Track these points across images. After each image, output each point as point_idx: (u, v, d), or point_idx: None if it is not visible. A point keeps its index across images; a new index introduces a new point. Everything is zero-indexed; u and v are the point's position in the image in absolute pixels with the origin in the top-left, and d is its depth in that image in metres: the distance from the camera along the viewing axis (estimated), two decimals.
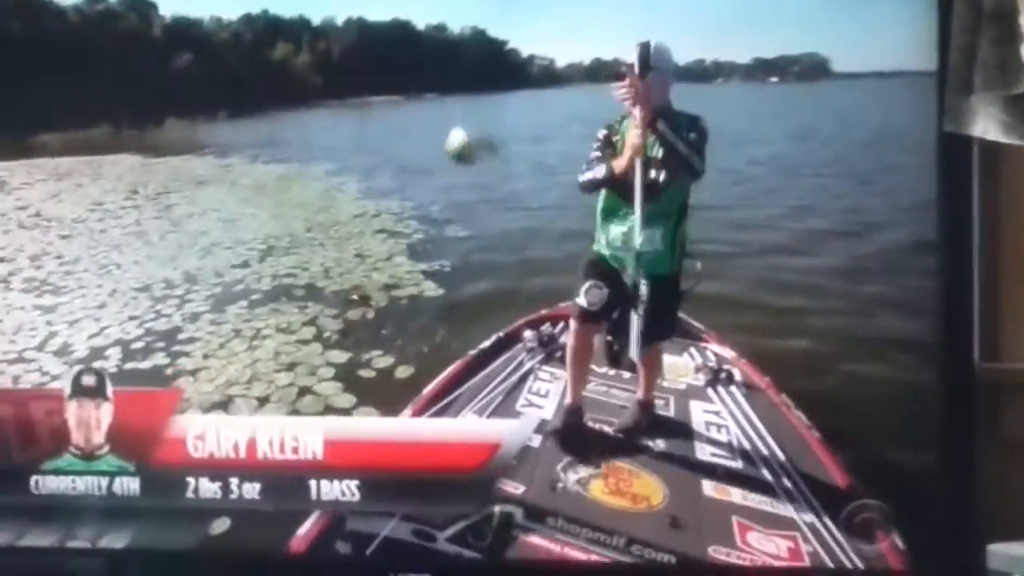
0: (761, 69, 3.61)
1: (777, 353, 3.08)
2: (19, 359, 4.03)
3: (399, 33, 5.01)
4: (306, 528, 2.14)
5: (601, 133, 2.51)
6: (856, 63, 3.52)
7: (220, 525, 2.49)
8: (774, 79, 3.67)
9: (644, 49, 2.27)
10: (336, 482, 2.06)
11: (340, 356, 4.10)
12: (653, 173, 2.33)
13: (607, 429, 2.53)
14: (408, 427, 2.28)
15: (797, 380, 2.77)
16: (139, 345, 4.22)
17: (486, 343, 3.29)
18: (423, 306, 5.03)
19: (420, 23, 4.99)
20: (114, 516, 2.38)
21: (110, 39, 5.54)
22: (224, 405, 3.61)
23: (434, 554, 2.07)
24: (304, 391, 3.75)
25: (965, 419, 1.97)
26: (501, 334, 3.34)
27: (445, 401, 2.73)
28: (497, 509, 2.12)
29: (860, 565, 1.87)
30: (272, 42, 5.75)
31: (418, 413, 2.66)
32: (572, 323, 2.48)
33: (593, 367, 2.85)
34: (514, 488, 2.19)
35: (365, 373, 3.79)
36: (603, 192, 2.54)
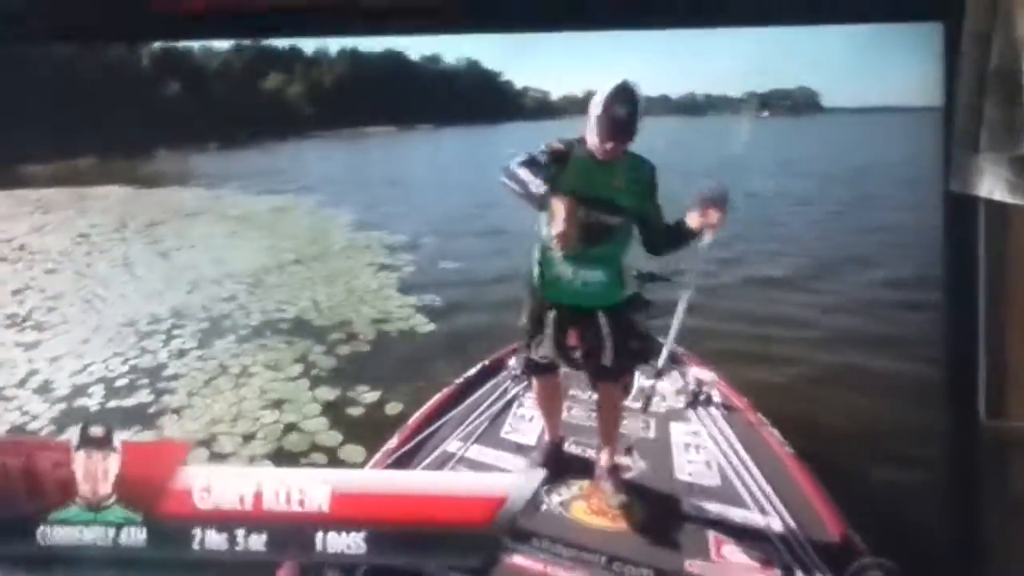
0: (755, 103, 3.58)
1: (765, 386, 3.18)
2: None
3: (392, 64, 4.98)
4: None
5: (555, 144, 2.20)
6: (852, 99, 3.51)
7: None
8: (765, 113, 3.65)
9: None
10: (343, 534, 1.98)
11: (328, 393, 3.99)
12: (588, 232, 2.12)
13: (588, 452, 2.51)
14: (415, 481, 2.20)
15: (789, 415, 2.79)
16: (123, 382, 4.10)
17: (471, 371, 3.27)
18: (413, 341, 4.97)
19: (414, 55, 4.96)
20: (120, 566, 2.29)
21: (97, 67, 5.49)
22: (208, 443, 3.49)
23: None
24: (290, 428, 3.64)
25: (969, 473, 1.94)
26: (486, 362, 3.33)
27: (431, 429, 2.72)
28: None
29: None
30: (264, 72, 5.71)
31: (404, 442, 2.64)
32: (532, 378, 2.39)
33: (575, 392, 2.88)
34: None
35: (353, 410, 3.68)
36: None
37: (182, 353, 4.53)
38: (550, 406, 2.50)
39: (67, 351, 4.49)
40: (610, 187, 2.13)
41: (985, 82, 1.78)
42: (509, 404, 2.92)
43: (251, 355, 4.47)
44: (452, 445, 2.61)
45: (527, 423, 2.78)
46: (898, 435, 2.42)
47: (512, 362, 3.12)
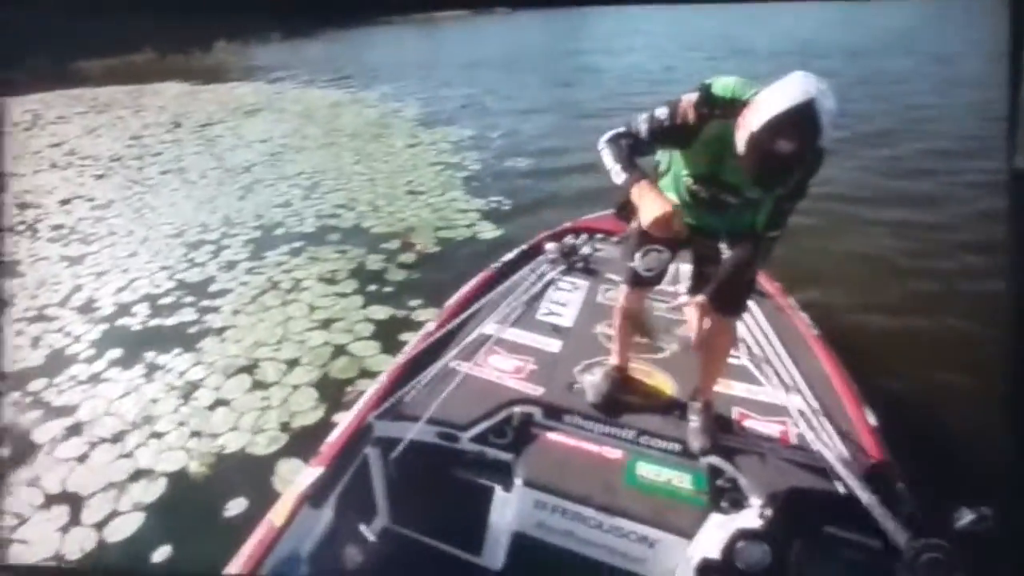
0: None
1: None
2: (39, 316, 3.74)
3: None
4: (335, 436, 2.03)
5: (684, 106, 1.57)
6: None
7: None
8: None
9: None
10: None
11: (380, 311, 3.65)
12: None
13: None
14: None
15: None
16: (168, 300, 3.86)
17: (509, 255, 3.16)
18: (477, 249, 4.52)
19: None
20: None
21: None
22: (250, 369, 3.23)
23: (458, 453, 2.11)
24: (338, 351, 3.34)
25: None
26: (525, 247, 3.24)
27: (470, 311, 2.64)
28: (517, 410, 2.16)
29: (844, 451, 1.98)
30: None
31: (443, 324, 2.55)
32: (624, 287, 2.17)
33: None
34: (533, 389, 2.23)
35: (407, 334, 3.32)
36: (669, 165, 1.88)
37: (231, 265, 4.28)
38: (629, 326, 2.27)
39: (112, 265, 4.30)
40: (740, 177, 1.54)
41: None
42: (546, 287, 2.91)
43: (304, 268, 4.17)
44: (489, 327, 2.55)
45: (563, 306, 2.79)
46: None
47: (550, 246, 3.10)
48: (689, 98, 1.56)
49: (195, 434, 2.76)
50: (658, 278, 2.08)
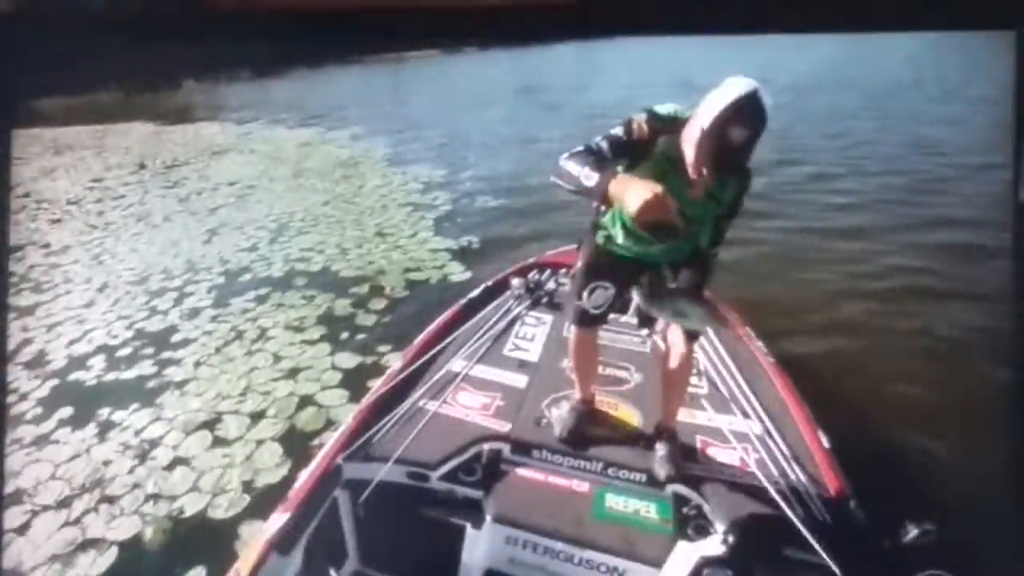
0: None
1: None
2: None
3: None
4: (302, 480, 2.03)
5: (636, 123, 1.65)
6: None
7: None
8: None
9: None
10: None
11: (349, 360, 3.53)
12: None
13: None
14: None
15: None
16: (126, 351, 3.69)
17: (475, 292, 3.19)
18: (448, 292, 4.41)
19: None
20: None
21: None
22: (211, 425, 3.07)
23: (428, 492, 2.11)
24: (305, 401, 3.20)
25: None
26: (489, 283, 3.27)
27: (436, 349, 2.66)
28: (486, 447, 2.18)
29: (800, 475, 2.05)
30: None
31: (409, 363, 2.56)
32: (574, 328, 2.21)
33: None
34: (501, 426, 2.26)
35: (374, 381, 3.19)
36: None
37: (194, 313, 4.12)
38: (587, 360, 2.31)
39: (66, 316, 4.11)
40: (684, 194, 1.59)
41: None
42: (512, 323, 2.94)
43: (270, 315, 4.03)
44: (456, 364, 2.57)
45: (529, 341, 2.82)
46: None
47: (515, 282, 3.14)
48: (639, 116, 1.67)
49: (151, 497, 2.59)
50: (605, 316, 2.11)
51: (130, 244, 5.35)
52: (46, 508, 2.55)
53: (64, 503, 2.57)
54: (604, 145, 1.63)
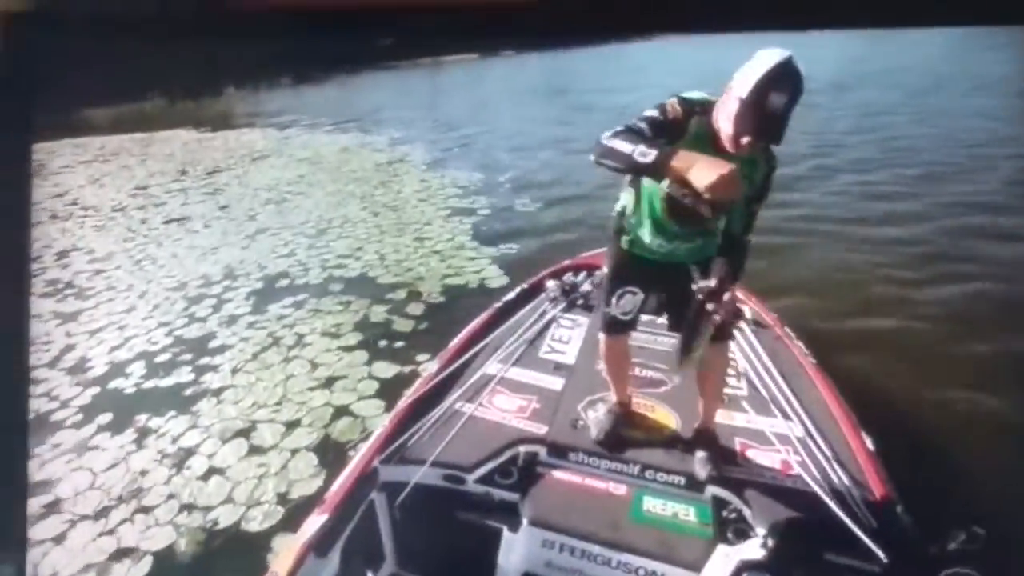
0: None
1: None
2: None
3: None
4: (340, 482, 2.03)
5: (670, 104, 1.68)
6: None
7: None
8: None
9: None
10: None
11: (386, 369, 3.48)
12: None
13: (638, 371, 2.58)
14: None
15: None
16: (164, 358, 3.70)
17: (510, 295, 3.20)
18: (486, 298, 4.33)
19: None
20: None
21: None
22: (247, 433, 3.05)
23: (464, 495, 2.10)
24: (341, 412, 3.16)
25: None
26: (525, 285, 3.29)
27: (472, 352, 2.65)
28: (522, 449, 2.16)
29: (844, 478, 2.00)
30: None
31: (445, 366, 2.56)
32: (602, 335, 2.19)
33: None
34: (537, 428, 2.25)
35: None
36: (638, 193, 1.92)
37: (232, 320, 4.12)
38: (619, 366, 2.29)
39: (108, 322, 4.16)
40: None
41: None
42: (547, 326, 2.94)
43: (307, 321, 4.01)
44: (492, 367, 2.57)
45: (565, 344, 2.81)
46: None
47: (550, 284, 3.15)
48: (671, 100, 1.69)
49: (185, 507, 2.57)
50: (634, 322, 2.11)
51: (171, 250, 5.41)
52: (84, 518, 2.54)
53: (102, 513, 2.56)
54: (643, 125, 1.63)
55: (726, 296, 1.64)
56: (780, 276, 4.37)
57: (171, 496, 2.63)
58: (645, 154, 1.50)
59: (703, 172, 1.43)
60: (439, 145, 9.37)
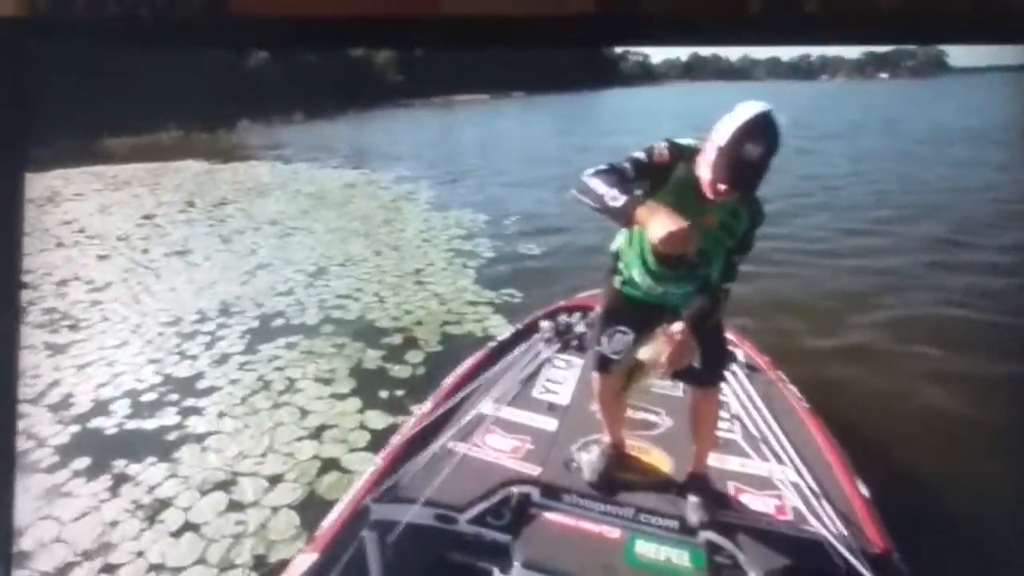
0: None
1: None
2: None
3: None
4: (330, 520, 2.05)
5: (658, 148, 1.75)
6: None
7: None
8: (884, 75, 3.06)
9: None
10: None
11: (379, 419, 3.36)
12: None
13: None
14: None
15: None
16: (151, 397, 3.59)
17: (504, 335, 3.25)
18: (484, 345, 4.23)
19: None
20: None
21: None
22: (227, 486, 2.92)
23: (456, 535, 2.11)
24: (329, 465, 3.03)
25: None
26: (519, 326, 3.33)
27: (466, 391, 2.67)
28: (515, 490, 2.16)
29: (839, 524, 2.00)
30: None
31: (438, 405, 2.57)
32: (595, 375, 2.22)
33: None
34: (530, 469, 2.25)
35: None
36: (631, 234, 1.99)
37: (224, 359, 4.01)
38: (615, 406, 2.31)
39: (98, 356, 4.05)
40: (700, 224, 1.66)
41: None
42: (541, 366, 2.95)
43: (298, 364, 3.90)
44: (485, 407, 2.57)
45: (559, 384, 2.83)
46: None
47: (544, 324, 3.17)
48: (659, 144, 1.75)
49: (154, 568, 2.44)
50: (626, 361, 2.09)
51: (169, 283, 5.33)
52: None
53: (63, 571, 2.43)
54: (627, 166, 1.70)
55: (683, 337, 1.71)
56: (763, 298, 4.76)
57: (140, 554, 2.49)
58: (616, 199, 1.58)
59: (658, 225, 1.50)
60: (446, 185, 9.38)
